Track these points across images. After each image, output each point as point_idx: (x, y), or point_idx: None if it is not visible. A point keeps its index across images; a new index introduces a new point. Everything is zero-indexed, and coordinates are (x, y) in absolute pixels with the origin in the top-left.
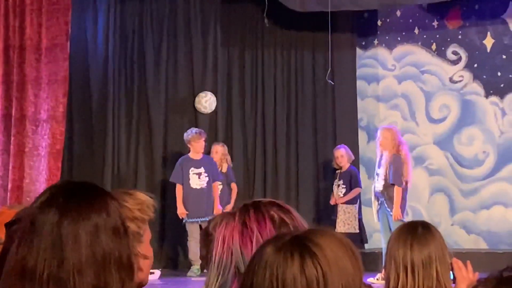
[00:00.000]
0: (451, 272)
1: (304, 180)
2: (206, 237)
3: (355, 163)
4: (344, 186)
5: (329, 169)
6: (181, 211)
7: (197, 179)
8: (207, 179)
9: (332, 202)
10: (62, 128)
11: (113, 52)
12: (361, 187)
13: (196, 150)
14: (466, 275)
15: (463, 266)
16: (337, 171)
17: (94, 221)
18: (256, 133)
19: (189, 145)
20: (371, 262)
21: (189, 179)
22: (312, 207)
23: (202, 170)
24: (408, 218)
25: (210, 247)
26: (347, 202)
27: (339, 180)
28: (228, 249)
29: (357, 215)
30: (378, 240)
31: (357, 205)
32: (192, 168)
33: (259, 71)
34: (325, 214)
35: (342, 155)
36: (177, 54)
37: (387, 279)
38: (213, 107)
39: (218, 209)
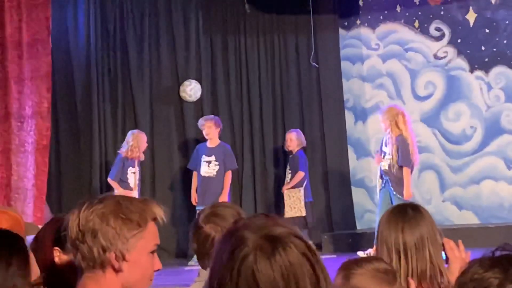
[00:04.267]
0: (443, 252)
1: None
2: (196, 230)
3: (343, 144)
4: (290, 171)
5: (317, 152)
6: (194, 197)
7: (207, 167)
8: (217, 168)
9: (282, 189)
10: (47, 123)
11: (95, 44)
12: (303, 171)
13: (210, 136)
14: (458, 254)
15: (455, 245)
16: (290, 156)
17: None
18: (242, 119)
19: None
20: (364, 242)
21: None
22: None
23: (212, 158)
24: None
25: (200, 240)
26: (292, 187)
27: (288, 165)
28: None
29: (302, 198)
30: (369, 220)
31: (302, 189)
32: (204, 156)
33: (242, 56)
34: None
35: (291, 139)
36: (160, 43)
37: None
38: (198, 95)
39: (224, 198)
